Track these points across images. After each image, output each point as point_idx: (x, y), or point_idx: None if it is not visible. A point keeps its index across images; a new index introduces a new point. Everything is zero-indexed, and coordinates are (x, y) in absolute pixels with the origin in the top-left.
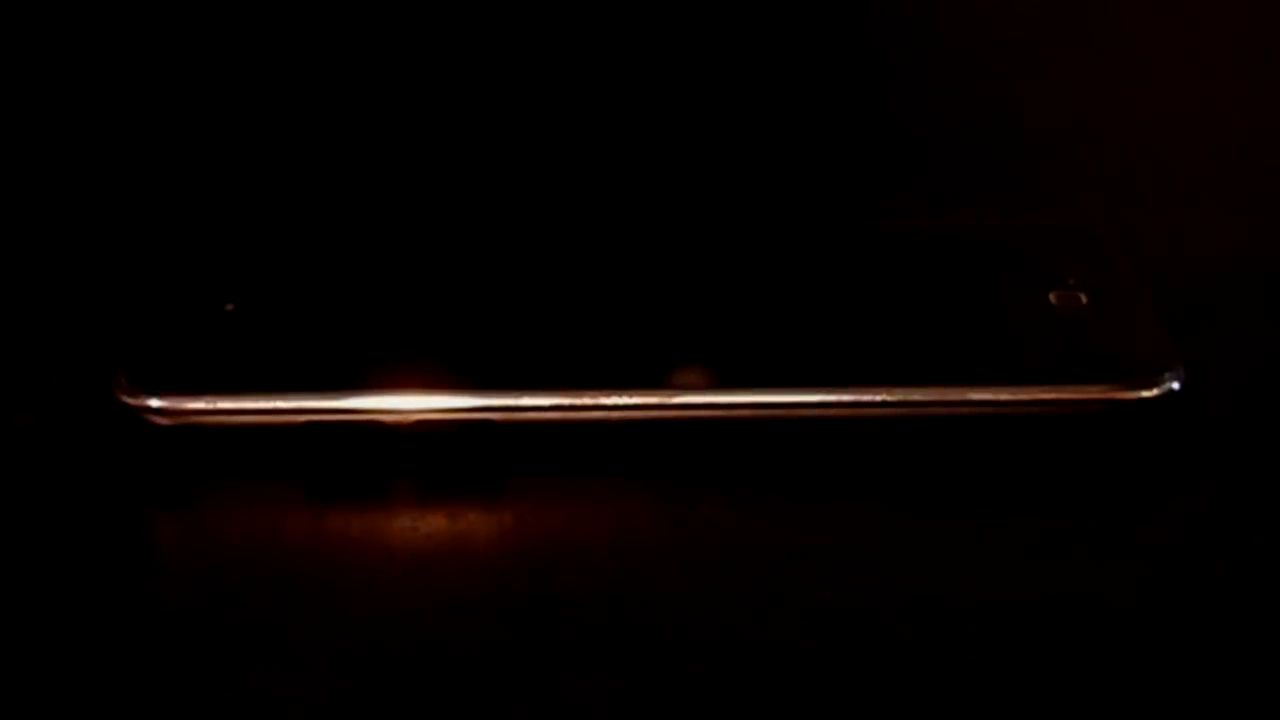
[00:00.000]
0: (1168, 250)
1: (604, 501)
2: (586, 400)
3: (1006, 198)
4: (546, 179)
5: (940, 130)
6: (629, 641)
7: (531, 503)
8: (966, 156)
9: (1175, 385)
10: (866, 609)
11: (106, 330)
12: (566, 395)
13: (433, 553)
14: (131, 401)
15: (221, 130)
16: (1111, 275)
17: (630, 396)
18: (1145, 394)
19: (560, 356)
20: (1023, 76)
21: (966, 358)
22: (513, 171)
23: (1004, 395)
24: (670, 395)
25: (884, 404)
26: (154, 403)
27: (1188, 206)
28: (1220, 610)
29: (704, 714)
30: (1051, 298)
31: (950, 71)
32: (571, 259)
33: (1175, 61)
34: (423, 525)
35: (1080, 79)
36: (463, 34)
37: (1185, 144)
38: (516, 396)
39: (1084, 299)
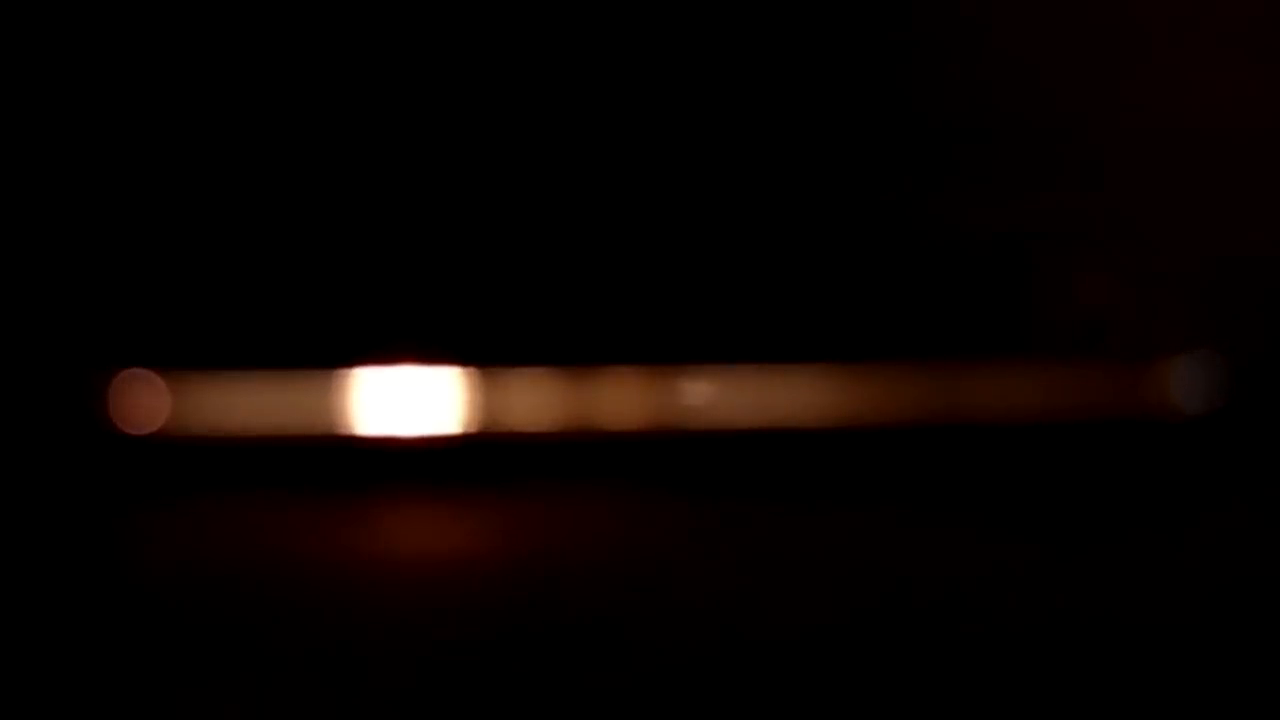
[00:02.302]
0: (1206, 248)
1: (608, 508)
2: (589, 402)
3: (1037, 192)
4: (555, 176)
5: (967, 125)
6: (633, 646)
7: (534, 509)
8: (994, 151)
9: (1213, 392)
10: (878, 615)
11: (92, 340)
12: (570, 397)
13: (431, 557)
14: (119, 411)
15: (209, 135)
16: (1144, 274)
17: (636, 400)
18: (1180, 400)
19: (562, 354)
20: (1049, 73)
21: (993, 359)
22: (522, 171)
23: (1032, 401)
24: (677, 399)
25: (905, 408)
26: (145, 412)
27: (1225, 204)
28: (1262, 617)
29: (707, 718)
30: (1082, 297)
31: (979, 69)
32: (577, 256)
33: (1208, 53)
34: (421, 532)
35: (1111, 72)
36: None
37: (1221, 140)
38: (519, 400)
39: (1115, 299)
